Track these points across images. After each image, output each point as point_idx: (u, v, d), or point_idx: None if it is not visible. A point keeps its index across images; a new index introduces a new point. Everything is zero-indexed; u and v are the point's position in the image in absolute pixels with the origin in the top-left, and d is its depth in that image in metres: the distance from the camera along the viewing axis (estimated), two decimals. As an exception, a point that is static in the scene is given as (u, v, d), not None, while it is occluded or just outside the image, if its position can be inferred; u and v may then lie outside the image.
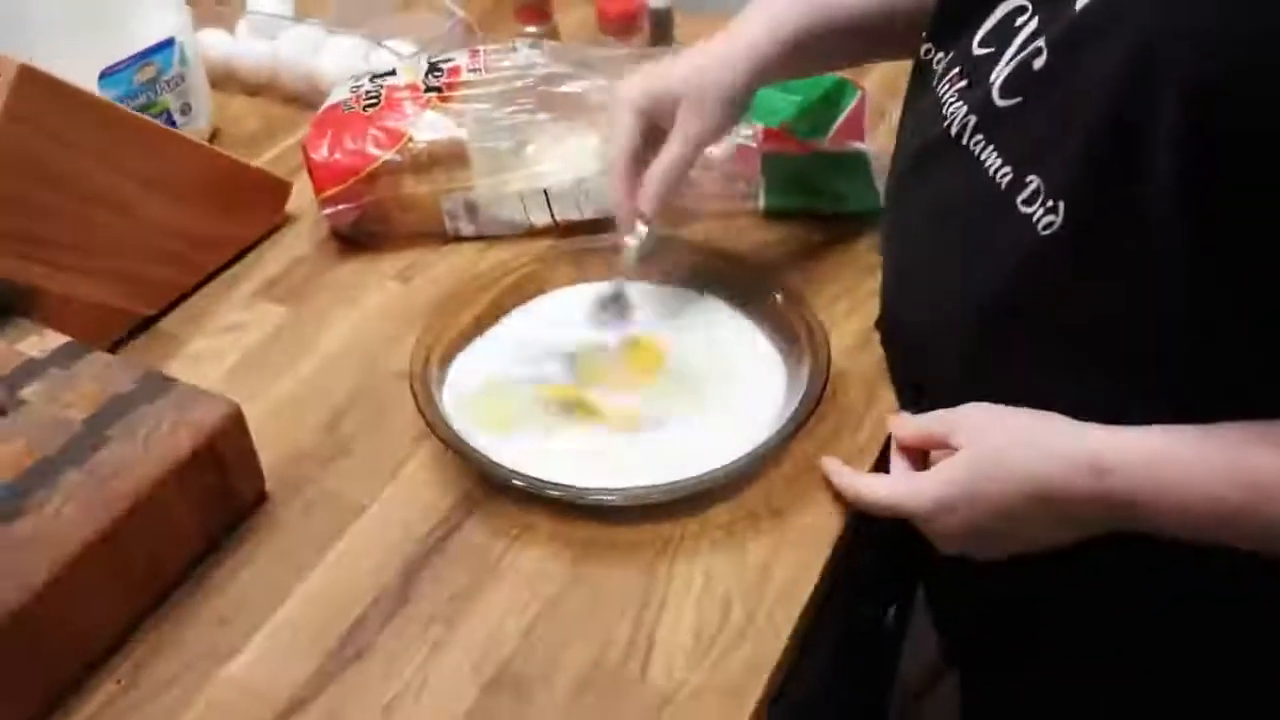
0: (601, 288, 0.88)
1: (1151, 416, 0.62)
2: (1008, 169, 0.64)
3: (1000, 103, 0.66)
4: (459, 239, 0.98)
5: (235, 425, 0.72)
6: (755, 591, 0.69)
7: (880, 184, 0.96)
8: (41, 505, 0.65)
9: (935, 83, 0.73)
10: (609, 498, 0.72)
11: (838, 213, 0.98)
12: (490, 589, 0.70)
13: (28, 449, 0.69)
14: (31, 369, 0.75)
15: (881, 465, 0.75)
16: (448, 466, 0.78)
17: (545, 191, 0.95)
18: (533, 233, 0.97)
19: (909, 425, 0.70)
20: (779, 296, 0.84)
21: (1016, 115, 0.65)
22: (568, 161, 0.94)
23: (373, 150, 0.93)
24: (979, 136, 0.67)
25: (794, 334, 0.82)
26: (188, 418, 0.71)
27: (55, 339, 0.78)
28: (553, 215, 0.96)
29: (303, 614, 0.69)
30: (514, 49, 0.97)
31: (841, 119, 1.01)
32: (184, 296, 0.93)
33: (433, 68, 0.97)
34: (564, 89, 0.95)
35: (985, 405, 0.65)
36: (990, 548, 0.67)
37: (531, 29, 1.16)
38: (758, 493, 0.75)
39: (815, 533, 0.73)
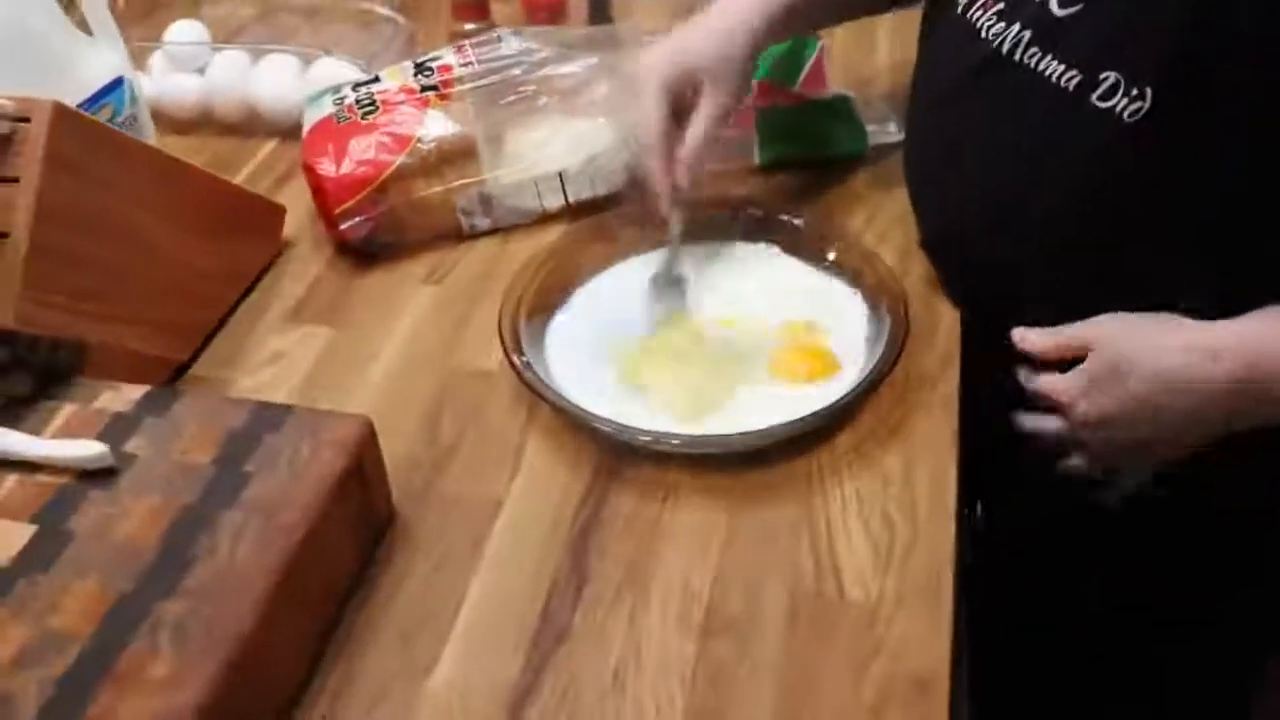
0: (654, 263, 0.88)
1: (1198, 290, 0.70)
2: (1074, 72, 0.70)
3: (1060, 12, 0.71)
4: (474, 235, 0.96)
5: (371, 439, 0.70)
6: (905, 498, 0.72)
7: (867, 124, 1.01)
8: (211, 552, 0.62)
9: (962, 11, 0.78)
10: (752, 441, 0.73)
11: (828, 156, 1.01)
12: (663, 550, 0.70)
13: (164, 501, 0.65)
14: (124, 424, 0.70)
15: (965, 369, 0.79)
16: (565, 445, 0.77)
17: (560, 174, 0.95)
18: (546, 217, 0.97)
19: (1043, 339, 0.75)
20: (825, 236, 0.88)
21: (1080, 20, 0.70)
22: (579, 141, 0.94)
23: (384, 157, 0.91)
24: (1034, 49, 0.73)
25: (853, 269, 0.86)
26: (327, 438, 0.68)
27: (132, 391, 0.73)
28: (566, 197, 0.96)
29: (486, 615, 0.68)
30: (499, 39, 0.96)
31: (807, 68, 1.04)
32: (207, 339, 0.88)
33: (420, 68, 0.96)
34: (561, 71, 0.95)
35: (1115, 315, 0.72)
36: (1128, 438, 0.73)
37: (471, 25, 1.15)
38: (871, 415, 0.77)
39: (935, 438, 0.76)
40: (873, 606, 0.66)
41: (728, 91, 0.82)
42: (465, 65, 0.95)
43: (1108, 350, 0.71)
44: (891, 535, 0.70)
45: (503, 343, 0.79)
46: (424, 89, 0.94)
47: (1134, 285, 0.74)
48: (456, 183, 0.93)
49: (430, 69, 0.95)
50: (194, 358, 0.87)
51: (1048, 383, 0.76)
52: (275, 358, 0.86)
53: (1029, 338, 0.76)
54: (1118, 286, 0.75)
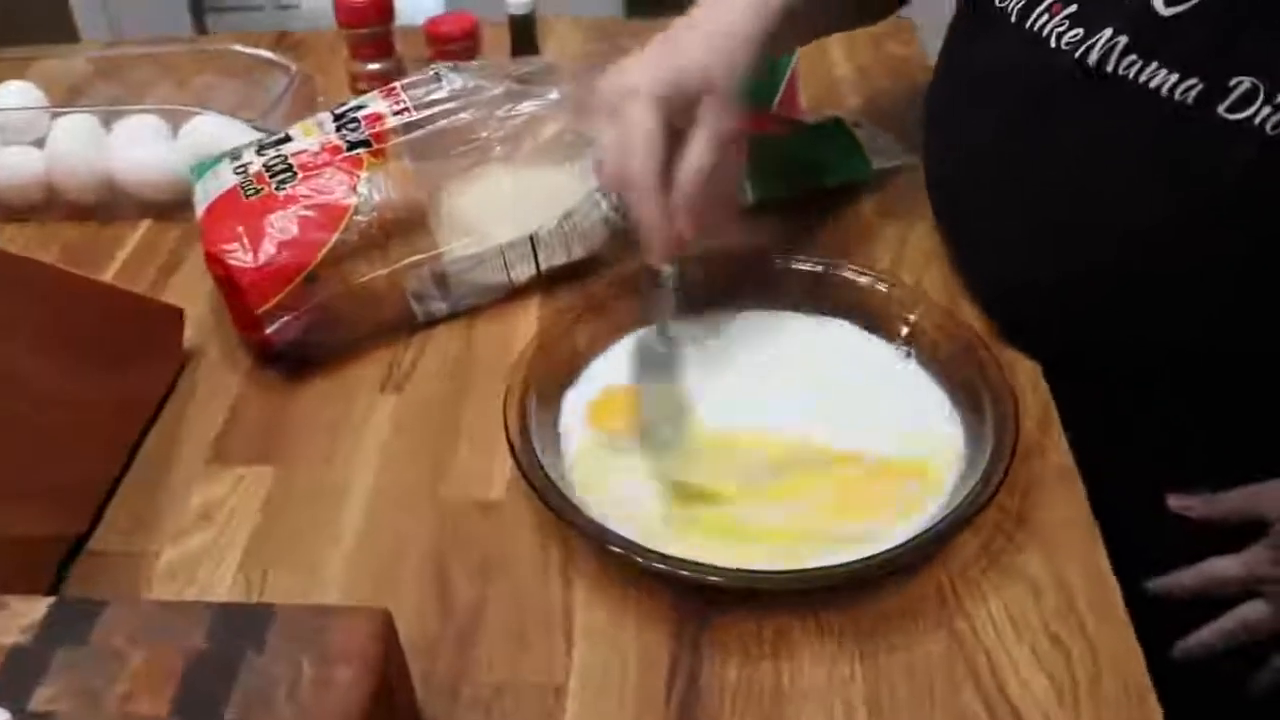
0: (642, 336, 0.71)
1: None
2: (1194, 79, 0.58)
3: (1165, 12, 0.58)
4: (430, 323, 0.77)
5: (394, 641, 0.50)
6: (1064, 607, 0.58)
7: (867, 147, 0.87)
8: None
9: (1018, 21, 0.65)
10: (878, 568, 0.57)
11: (824, 188, 0.86)
12: (794, 715, 0.53)
13: (114, 780, 0.43)
14: (25, 665, 0.48)
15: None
16: (626, 592, 0.59)
17: (531, 238, 0.76)
18: (515, 292, 0.78)
19: (1210, 505, 0.66)
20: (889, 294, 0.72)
21: (1191, 20, 0.58)
22: (550, 195, 0.77)
23: (314, 236, 0.70)
24: (1133, 57, 0.60)
25: (894, 323, 0.71)
26: (338, 650, 0.48)
27: (28, 607, 0.51)
28: (538, 265, 0.78)
29: None
30: (436, 77, 0.77)
31: (782, 89, 0.89)
32: (106, 497, 0.66)
33: (342, 120, 0.76)
34: (520, 110, 0.76)
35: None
36: None
37: (375, 66, 0.95)
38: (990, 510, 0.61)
39: (1070, 522, 0.62)
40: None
41: (734, 110, 0.64)
42: (399, 113, 0.75)
43: None
44: (1067, 659, 0.56)
45: (516, 460, 0.61)
46: (352, 146, 0.74)
47: (1270, 333, 0.63)
48: (405, 261, 0.73)
49: (355, 120, 0.75)
50: (92, 527, 0.64)
51: (1241, 566, 0.66)
52: (204, 516, 0.65)
53: (1191, 506, 0.67)
54: (1246, 333, 0.65)
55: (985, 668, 0.55)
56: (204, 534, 0.64)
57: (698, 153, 0.63)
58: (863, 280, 0.72)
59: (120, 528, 0.65)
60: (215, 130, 0.86)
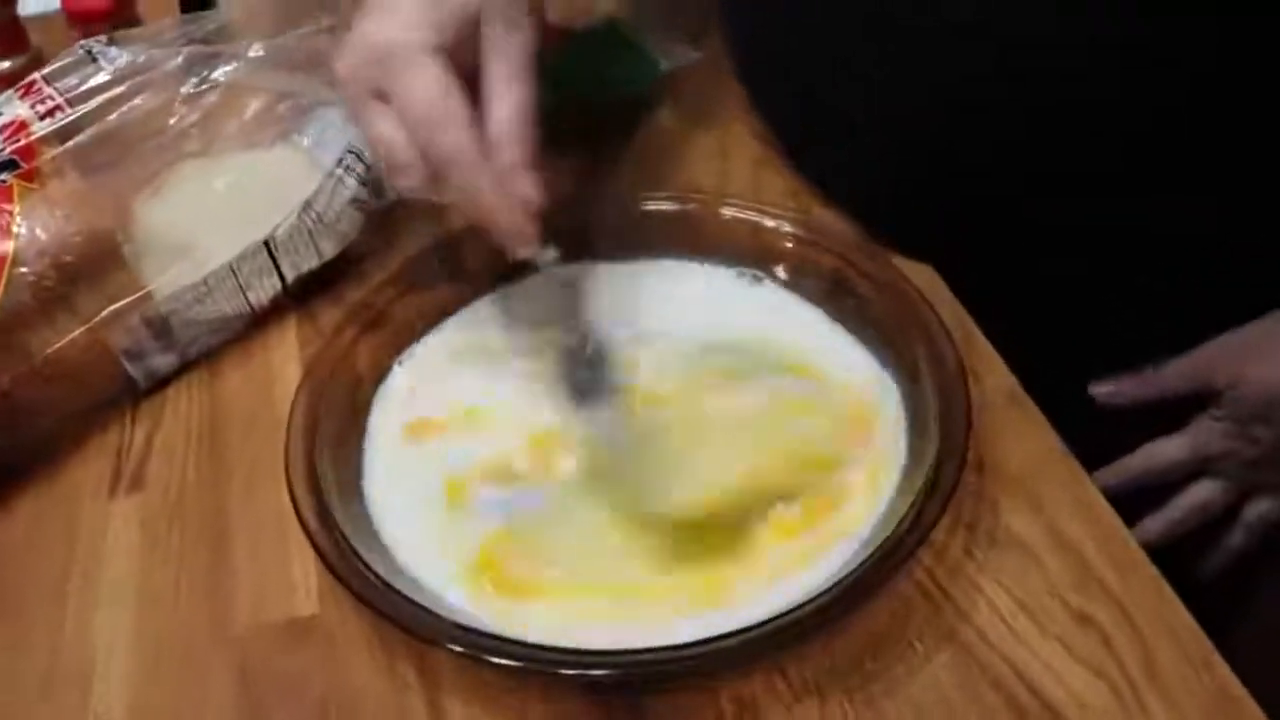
0: (566, 343, 0.54)
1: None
2: None
3: None
4: (157, 385, 0.58)
5: None
6: (1078, 570, 0.46)
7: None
8: None
9: None
10: (838, 606, 0.43)
11: (608, 101, 0.71)
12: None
13: None
14: None
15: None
16: (528, 702, 0.43)
17: (267, 243, 0.58)
18: (260, 321, 0.60)
19: (1141, 387, 0.57)
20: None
21: None
22: (278, 185, 0.58)
23: (-40, 308, 0.49)
24: None
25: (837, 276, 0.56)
26: None
27: None
28: (282, 279, 0.60)
29: None
30: (89, 56, 0.56)
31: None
32: None
33: (-40, 139, 0.53)
34: (210, 81, 0.57)
35: (1220, 340, 0.55)
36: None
37: (5, 64, 0.72)
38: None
39: (1045, 461, 0.50)
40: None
41: (528, 27, 0.49)
42: (49, 114, 0.55)
43: (1248, 385, 0.54)
44: (1105, 642, 0.43)
45: (321, 556, 0.44)
46: (-10, 172, 0.52)
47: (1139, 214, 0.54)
48: (104, 313, 0.53)
49: (-16, 136, 0.53)
50: None
51: (1187, 447, 0.57)
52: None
53: (1121, 390, 0.57)
54: (1124, 216, 0.54)
55: (1011, 679, 0.43)
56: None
57: (507, 94, 0.47)
58: (726, 214, 0.58)
59: None
60: None
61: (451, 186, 0.47)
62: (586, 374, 0.52)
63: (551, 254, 0.50)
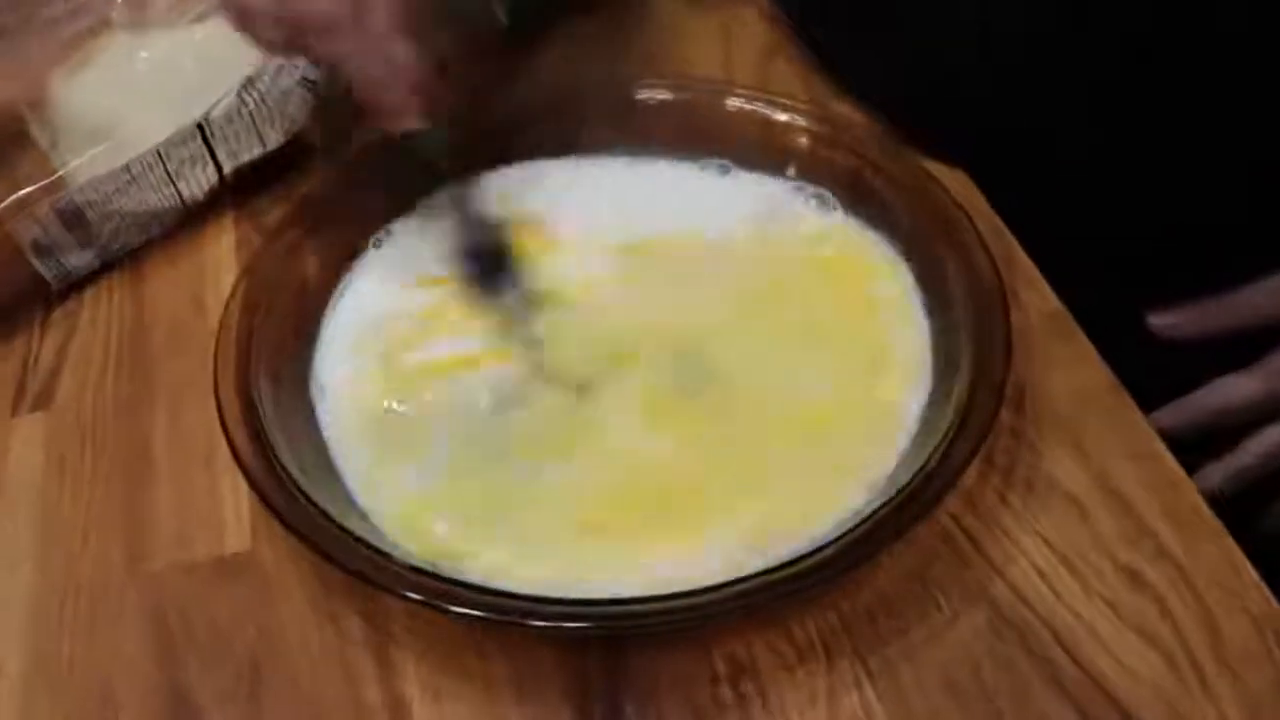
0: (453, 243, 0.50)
1: None
2: None
3: None
4: (72, 285, 0.54)
5: None
6: (1131, 523, 0.42)
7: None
8: None
9: None
10: (857, 551, 0.40)
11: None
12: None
13: None
14: None
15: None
16: (490, 657, 0.40)
17: (201, 127, 0.54)
18: (194, 217, 0.57)
19: (1207, 315, 0.52)
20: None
21: None
22: (219, 61, 0.55)
23: None
24: None
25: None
26: None
27: None
28: (219, 168, 0.56)
29: None
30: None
31: None
32: None
33: None
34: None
35: None
36: None
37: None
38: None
39: (1093, 395, 0.47)
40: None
41: None
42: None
43: None
44: (1160, 606, 0.40)
45: (255, 487, 0.41)
46: None
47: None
48: (9, 200, 0.50)
49: None
50: None
51: (1260, 385, 0.51)
52: None
53: (1184, 322, 0.52)
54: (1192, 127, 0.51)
55: (1050, 644, 0.39)
56: None
57: None
58: (730, 105, 0.54)
59: None
60: None
61: (314, 49, 0.44)
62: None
63: (439, 135, 0.46)
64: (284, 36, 0.44)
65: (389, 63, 0.44)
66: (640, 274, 0.51)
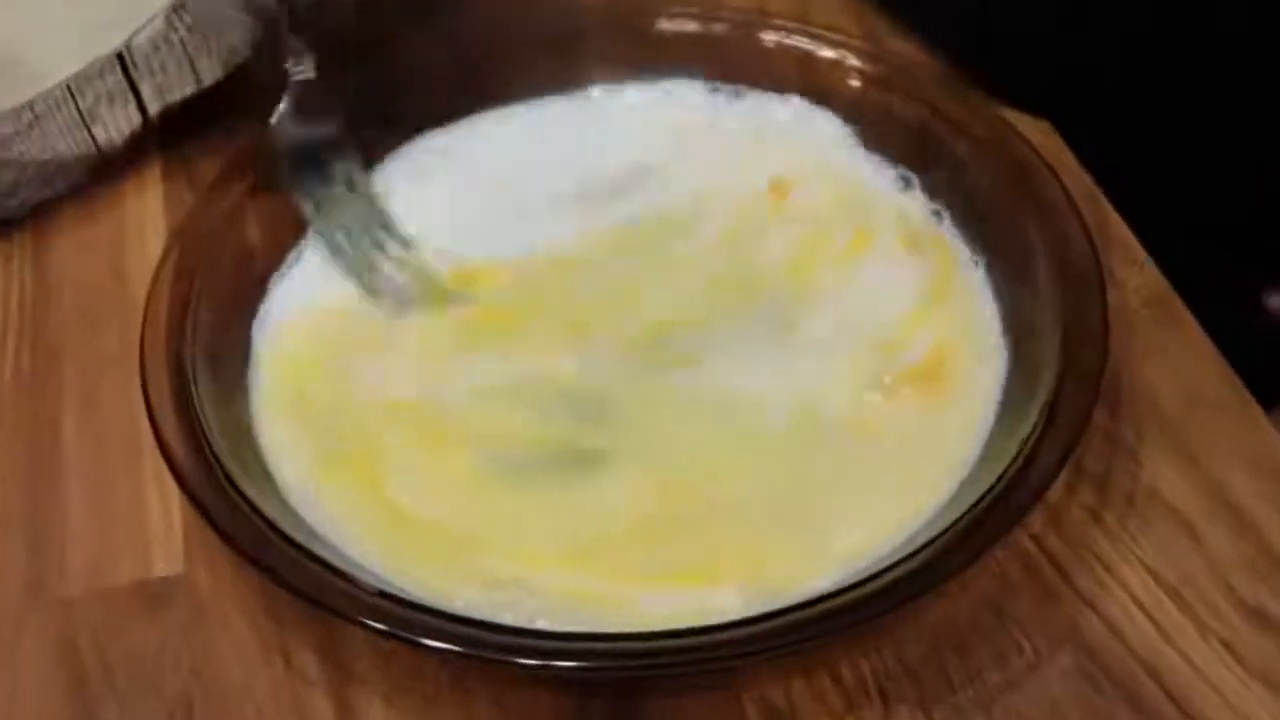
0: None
1: None
2: None
3: None
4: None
5: None
6: (1252, 547, 0.44)
7: None
8: None
9: None
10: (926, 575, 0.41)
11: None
12: None
13: None
14: None
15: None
16: (468, 701, 0.41)
17: (123, 56, 0.56)
18: (112, 167, 0.59)
19: None
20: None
21: None
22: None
23: None
24: None
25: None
26: None
27: None
28: (142, 108, 0.58)
29: None
30: None
31: None
32: None
33: None
34: None
35: None
36: None
37: None
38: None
39: (1205, 394, 0.48)
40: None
41: None
42: None
43: None
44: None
45: (189, 494, 0.42)
46: None
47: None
48: None
49: None
50: None
51: None
52: None
53: None
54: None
55: (1156, 693, 0.40)
56: None
57: None
58: (767, 39, 0.57)
59: None
60: None
61: None
62: None
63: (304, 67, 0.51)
64: None
65: None
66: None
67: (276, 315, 0.51)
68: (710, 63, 0.57)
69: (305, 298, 0.51)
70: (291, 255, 0.52)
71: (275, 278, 0.52)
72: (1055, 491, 0.44)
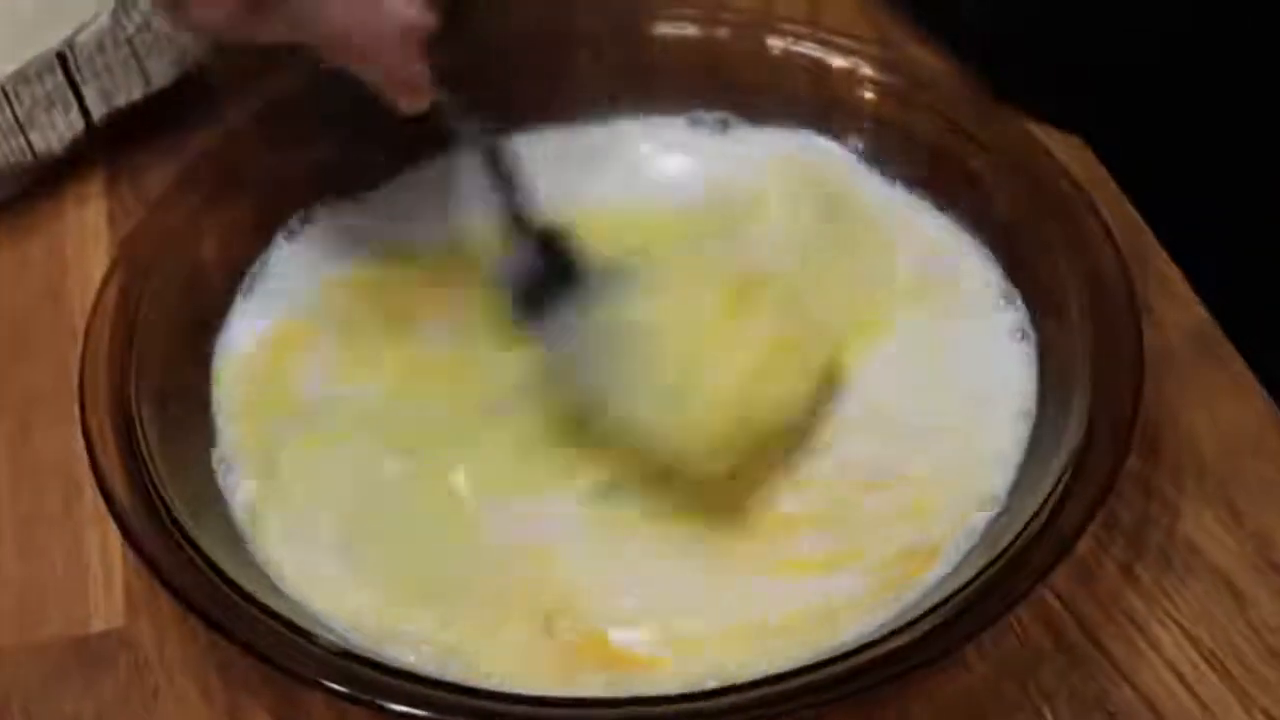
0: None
1: None
2: None
3: None
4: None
5: None
6: None
7: None
8: None
9: None
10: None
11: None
12: None
13: None
14: None
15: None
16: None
17: (65, 56, 0.58)
18: (51, 177, 0.61)
19: None
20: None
21: None
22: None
23: None
24: None
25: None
26: None
27: None
28: (85, 112, 0.60)
29: None
30: None
31: None
32: None
33: None
34: None
35: None
36: None
37: None
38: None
39: (1249, 440, 0.50)
40: None
41: None
42: None
43: None
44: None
45: (132, 542, 0.43)
46: None
47: None
48: None
49: None
50: None
51: None
52: None
53: None
54: None
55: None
56: None
57: None
58: (774, 46, 0.59)
59: None
60: None
61: (280, 17, 0.44)
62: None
63: (460, 105, 0.49)
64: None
65: (389, 18, 0.45)
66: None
67: (235, 344, 0.52)
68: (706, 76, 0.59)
69: (265, 325, 0.52)
70: (250, 276, 0.53)
71: (232, 301, 0.53)
72: (1084, 547, 0.45)
